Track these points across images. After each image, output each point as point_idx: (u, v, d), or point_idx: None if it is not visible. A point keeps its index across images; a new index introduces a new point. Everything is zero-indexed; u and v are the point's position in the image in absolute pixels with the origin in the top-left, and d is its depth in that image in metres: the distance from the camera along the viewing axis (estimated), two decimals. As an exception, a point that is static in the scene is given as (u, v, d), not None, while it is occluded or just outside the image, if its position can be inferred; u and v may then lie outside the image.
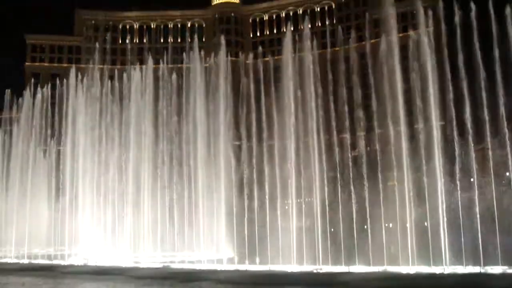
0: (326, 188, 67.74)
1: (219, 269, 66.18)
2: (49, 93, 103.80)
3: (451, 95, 61.16)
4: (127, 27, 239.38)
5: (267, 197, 69.17)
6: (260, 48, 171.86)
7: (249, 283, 59.84)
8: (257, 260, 66.06)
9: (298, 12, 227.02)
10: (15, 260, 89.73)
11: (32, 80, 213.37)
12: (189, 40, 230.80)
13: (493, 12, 60.40)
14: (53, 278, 72.59)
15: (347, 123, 72.68)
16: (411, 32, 74.37)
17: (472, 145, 59.39)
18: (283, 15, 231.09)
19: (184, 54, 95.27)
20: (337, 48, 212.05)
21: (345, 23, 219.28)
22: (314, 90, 70.84)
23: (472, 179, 59.57)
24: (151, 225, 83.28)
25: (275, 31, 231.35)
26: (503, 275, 51.27)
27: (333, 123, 71.13)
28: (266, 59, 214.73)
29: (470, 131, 58.90)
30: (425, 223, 59.45)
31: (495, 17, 60.50)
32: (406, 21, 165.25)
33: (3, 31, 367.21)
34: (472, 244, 56.03)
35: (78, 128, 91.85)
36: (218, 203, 74.91)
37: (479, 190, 58.71)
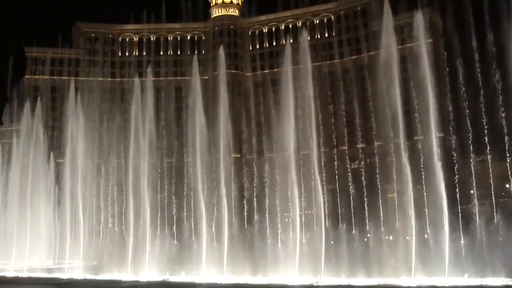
0: (325, 201, 67.69)
1: (218, 282, 65.90)
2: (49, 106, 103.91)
3: (450, 107, 61.37)
4: (127, 39, 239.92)
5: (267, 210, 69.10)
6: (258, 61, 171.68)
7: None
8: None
9: (298, 25, 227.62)
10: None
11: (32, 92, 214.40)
12: (189, 52, 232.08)
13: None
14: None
15: (346, 135, 72.85)
16: (409, 44, 74.70)
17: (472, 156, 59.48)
18: (283, 27, 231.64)
19: (183, 66, 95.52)
20: (336, 60, 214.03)
21: (345, 36, 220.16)
22: (314, 103, 70.86)
23: (472, 191, 59.67)
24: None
25: (274, 43, 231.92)
26: (504, 288, 51.15)
27: (333, 136, 71.29)
28: (266, 71, 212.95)
29: (470, 142, 59.02)
30: (425, 235, 59.44)
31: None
32: (404, 34, 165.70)
33: (2, 44, 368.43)
34: (473, 256, 56.00)
35: (78, 140, 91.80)
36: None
37: (479, 202, 58.77)
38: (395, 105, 64.53)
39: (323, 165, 68.77)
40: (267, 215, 68.81)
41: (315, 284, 59.23)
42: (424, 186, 60.44)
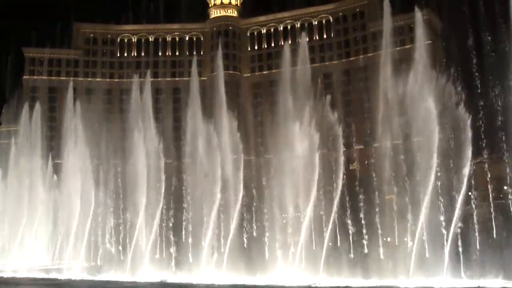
0: (323, 202, 67.77)
1: (216, 283, 65.91)
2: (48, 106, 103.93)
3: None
4: (125, 40, 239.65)
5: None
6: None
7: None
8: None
9: (296, 26, 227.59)
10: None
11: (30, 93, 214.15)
12: (187, 53, 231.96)
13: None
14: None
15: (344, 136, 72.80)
16: (409, 45, 74.79)
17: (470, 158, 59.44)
18: (281, 28, 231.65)
19: (182, 67, 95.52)
20: (334, 62, 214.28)
21: (343, 37, 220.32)
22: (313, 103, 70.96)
23: (470, 193, 59.72)
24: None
25: (273, 44, 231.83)
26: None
27: (331, 138, 71.26)
28: (264, 72, 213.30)
29: (469, 144, 58.99)
30: (423, 237, 59.45)
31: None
32: (404, 35, 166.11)
33: (0, 44, 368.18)
34: (471, 258, 56.07)
35: (76, 141, 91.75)
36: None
37: (477, 204, 58.81)
38: (393, 106, 64.56)
39: (322, 166, 68.68)
40: (265, 216, 68.85)
41: (313, 285, 59.28)
42: (421, 188, 60.45)
